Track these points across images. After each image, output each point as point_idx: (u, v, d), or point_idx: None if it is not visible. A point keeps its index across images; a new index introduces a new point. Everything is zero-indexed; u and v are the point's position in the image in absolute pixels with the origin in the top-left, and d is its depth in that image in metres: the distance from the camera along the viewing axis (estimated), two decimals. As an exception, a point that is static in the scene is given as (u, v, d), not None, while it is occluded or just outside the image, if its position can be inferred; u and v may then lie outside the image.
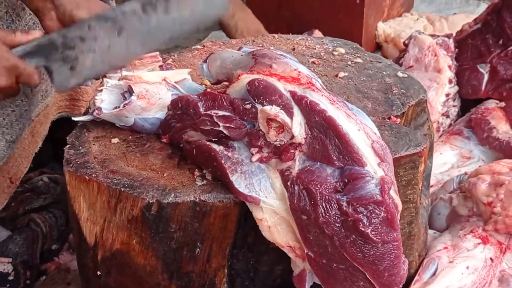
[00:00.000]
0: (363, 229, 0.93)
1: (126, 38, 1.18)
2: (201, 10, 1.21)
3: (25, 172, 1.54)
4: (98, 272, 1.13)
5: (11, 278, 1.44)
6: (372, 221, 0.94)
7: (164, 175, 1.07)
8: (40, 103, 1.52)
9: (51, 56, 1.15)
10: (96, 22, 1.16)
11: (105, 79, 1.16)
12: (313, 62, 1.43)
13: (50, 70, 1.17)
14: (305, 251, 1.00)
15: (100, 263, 1.12)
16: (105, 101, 1.15)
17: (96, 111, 1.15)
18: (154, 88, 1.14)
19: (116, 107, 1.14)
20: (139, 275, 1.10)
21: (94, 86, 1.71)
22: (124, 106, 1.13)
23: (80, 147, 1.13)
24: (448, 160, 1.76)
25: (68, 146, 1.14)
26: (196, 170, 1.08)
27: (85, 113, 1.22)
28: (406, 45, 2.01)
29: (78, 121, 1.20)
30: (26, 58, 1.14)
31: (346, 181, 0.96)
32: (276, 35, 1.60)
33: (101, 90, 1.15)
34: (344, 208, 0.94)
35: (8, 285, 1.43)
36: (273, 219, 1.00)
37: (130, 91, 1.13)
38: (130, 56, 1.22)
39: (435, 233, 1.47)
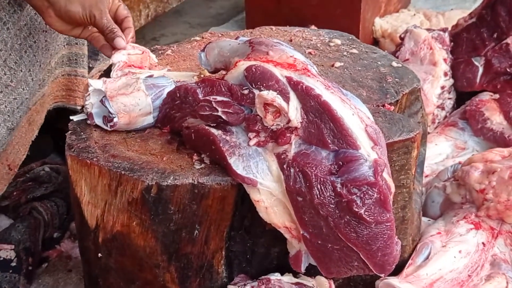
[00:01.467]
0: (356, 209, 0.96)
1: None
2: None
3: (23, 159, 1.57)
4: (99, 254, 1.16)
5: (13, 264, 1.47)
6: (366, 202, 0.96)
7: (164, 159, 1.10)
8: (38, 92, 1.55)
9: None
10: None
11: (89, 81, 1.15)
12: (310, 53, 1.46)
13: None
14: (301, 232, 1.03)
15: (101, 245, 1.15)
16: (95, 103, 1.15)
17: (89, 118, 1.16)
18: (131, 100, 1.13)
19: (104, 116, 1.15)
20: (139, 256, 1.13)
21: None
22: (111, 128, 1.14)
23: (82, 133, 1.16)
24: (443, 151, 1.79)
25: (69, 132, 1.17)
26: (195, 154, 1.10)
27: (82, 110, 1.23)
28: (402, 38, 2.04)
29: (78, 113, 1.22)
30: None
31: (341, 163, 0.99)
32: (273, 27, 1.63)
33: (88, 94, 1.15)
34: (339, 190, 0.97)
35: (10, 271, 1.45)
36: (270, 201, 1.03)
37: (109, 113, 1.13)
38: None
39: (429, 220, 1.50)
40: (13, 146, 1.48)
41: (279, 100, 1.01)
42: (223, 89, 1.07)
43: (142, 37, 1.93)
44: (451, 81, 1.97)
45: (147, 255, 1.12)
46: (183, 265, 1.13)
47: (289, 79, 1.03)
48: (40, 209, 1.57)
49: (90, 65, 1.72)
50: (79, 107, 1.70)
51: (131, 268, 1.15)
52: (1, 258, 1.46)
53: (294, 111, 1.01)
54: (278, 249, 1.15)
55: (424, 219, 1.47)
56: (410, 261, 1.30)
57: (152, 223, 1.08)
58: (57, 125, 1.75)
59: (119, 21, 1.31)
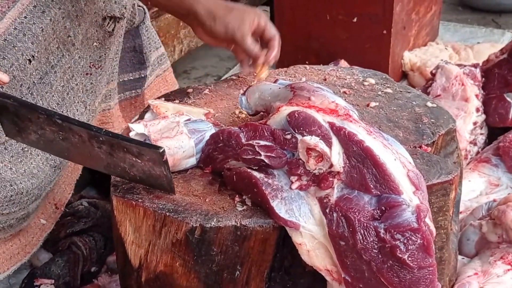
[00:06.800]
0: (400, 255, 0.98)
1: (68, 147, 1.15)
2: (144, 170, 1.11)
3: (69, 198, 1.60)
4: (142, 293, 1.19)
5: (53, 299, 1.50)
6: (409, 248, 0.98)
7: (206, 200, 1.12)
8: None
9: (3, 113, 1.15)
10: (46, 119, 1.12)
11: (129, 126, 1.17)
12: (344, 92, 1.48)
13: (1, 120, 1.17)
14: (342, 275, 1.04)
15: (144, 285, 1.17)
16: None
17: None
18: (175, 143, 1.15)
19: None
20: (181, 296, 1.15)
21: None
22: None
23: (126, 174, 1.19)
24: (477, 187, 1.79)
25: (114, 172, 1.20)
26: (236, 196, 1.13)
27: None
28: (433, 74, 2.06)
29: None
30: None
31: (383, 209, 1.00)
32: (307, 66, 1.65)
33: None
34: (382, 235, 0.98)
35: (51, 306, 1.49)
36: (312, 244, 1.05)
37: None
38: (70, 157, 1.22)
39: (463, 258, 1.50)
40: (59, 185, 1.52)
41: (321, 145, 1.03)
42: (266, 133, 1.09)
43: (173, 70, 1.98)
44: (483, 116, 1.98)
45: (189, 295, 1.14)
46: (224, 305, 1.14)
47: (331, 125, 1.05)
48: (79, 244, 1.61)
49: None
50: None
51: (173, 307, 1.17)
52: (42, 293, 1.49)
53: (336, 156, 1.03)
54: (318, 290, 1.16)
55: (459, 257, 1.47)
56: (448, 302, 1.30)
57: (195, 263, 1.10)
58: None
59: (265, 41, 1.46)
